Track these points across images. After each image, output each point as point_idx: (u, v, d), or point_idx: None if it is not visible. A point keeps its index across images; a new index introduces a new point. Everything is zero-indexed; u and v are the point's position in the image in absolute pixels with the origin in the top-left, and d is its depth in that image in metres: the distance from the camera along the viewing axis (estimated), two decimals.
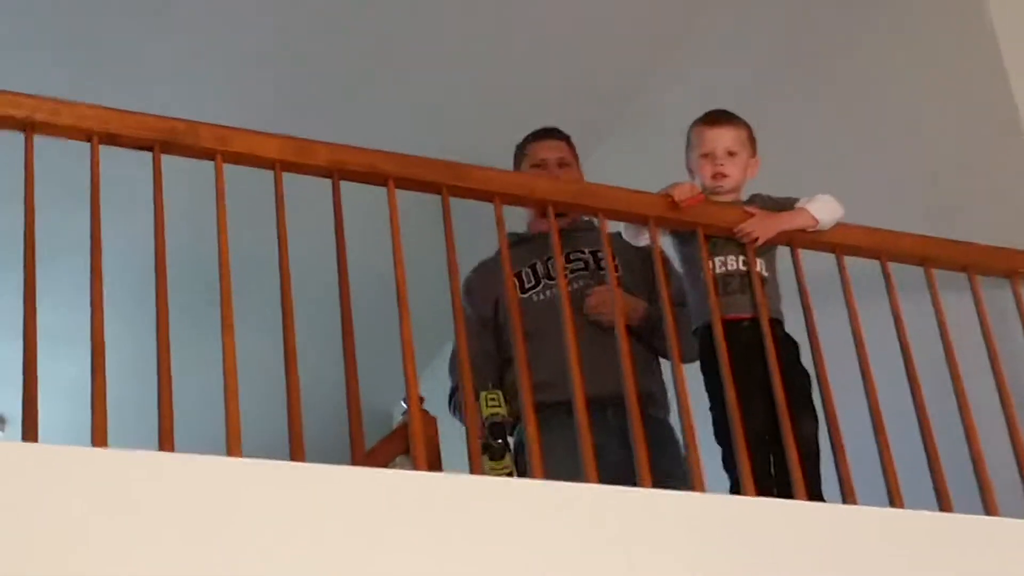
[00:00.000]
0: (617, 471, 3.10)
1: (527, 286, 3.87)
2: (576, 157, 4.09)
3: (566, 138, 4.08)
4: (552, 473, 2.93)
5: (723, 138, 3.48)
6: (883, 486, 3.14)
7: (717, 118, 3.53)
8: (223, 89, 4.79)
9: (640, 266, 3.70)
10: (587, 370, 3.11)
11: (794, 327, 3.42)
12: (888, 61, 4.27)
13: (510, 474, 3.54)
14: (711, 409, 3.27)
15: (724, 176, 3.41)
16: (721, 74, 4.75)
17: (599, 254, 3.78)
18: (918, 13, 4.18)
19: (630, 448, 3.03)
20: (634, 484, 2.98)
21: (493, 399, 3.59)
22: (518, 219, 3.92)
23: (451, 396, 3.86)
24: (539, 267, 3.89)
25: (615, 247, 3.66)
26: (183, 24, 4.58)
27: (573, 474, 3.00)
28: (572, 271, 3.78)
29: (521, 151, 4.10)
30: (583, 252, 3.89)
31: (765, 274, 3.40)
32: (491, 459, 3.53)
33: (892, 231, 3.52)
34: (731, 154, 3.46)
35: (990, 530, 3.09)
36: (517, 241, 3.81)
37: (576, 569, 2.71)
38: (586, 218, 3.88)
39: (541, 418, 3.05)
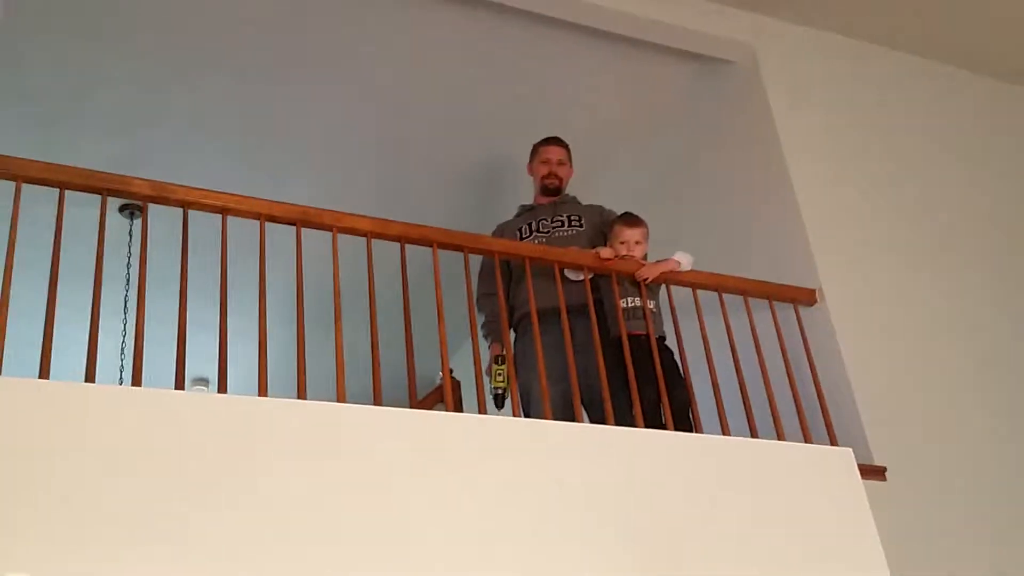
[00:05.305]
0: (583, 347, 4.08)
1: (524, 236, 4.63)
2: (570, 158, 4.83)
3: (566, 145, 4.84)
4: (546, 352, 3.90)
5: (635, 234, 4.33)
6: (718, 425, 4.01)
7: (633, 221, 4.36)
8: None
9: (600, 225, 4.59)
10: (557, 292, 4.06)
11: (667, 333, 4.23)
12: (717, 186, 5.24)
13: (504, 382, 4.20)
14: (620, 389, 3.97)
15: (633, 257, 4.27)
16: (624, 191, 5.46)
17: (572, 218, 4.66)
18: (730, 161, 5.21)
19: (585, 332, 4.03)
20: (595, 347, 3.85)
21: (500, 373, 4.23)
22: (527, 194, 4.87)
23: (482, 326, 4.59)
24: (533, 224, 4.68)
25: (585, 216, 4.64)
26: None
27: (557, 352, 4.03)
28: (555, 227, 4.60)
29: (535, 150, 4.85)
30: (563, 216, 4.65)
31: (653, 308, 4.27)
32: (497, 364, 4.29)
33: (724, 275, 4.39)
34: (638, 243, 4.31)
35: (774, 451, 3.89)
36: (526, 210, 4.77)
37: (508, 478, 3.32)
38: (570, 194, 4.82)
39: (531, 322, 3.98)
